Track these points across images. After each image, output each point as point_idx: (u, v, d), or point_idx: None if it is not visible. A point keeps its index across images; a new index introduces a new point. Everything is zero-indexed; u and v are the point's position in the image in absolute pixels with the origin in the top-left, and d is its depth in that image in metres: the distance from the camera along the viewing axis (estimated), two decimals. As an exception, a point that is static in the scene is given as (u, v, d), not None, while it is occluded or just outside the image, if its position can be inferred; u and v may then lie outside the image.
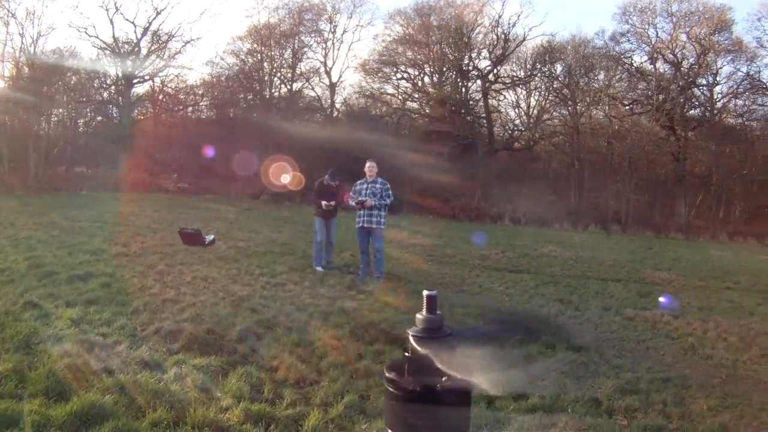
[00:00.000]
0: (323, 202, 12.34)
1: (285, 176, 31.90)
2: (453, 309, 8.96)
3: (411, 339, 2.23)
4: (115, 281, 9.47)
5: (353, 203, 11.72)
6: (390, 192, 11.77)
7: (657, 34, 38.41)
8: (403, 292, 10.33)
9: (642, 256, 19.11)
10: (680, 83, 37.53)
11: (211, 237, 14.13)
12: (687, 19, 37.43)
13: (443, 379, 2.18)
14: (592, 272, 14.59)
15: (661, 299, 11.60)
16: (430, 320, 2.24)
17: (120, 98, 41.55)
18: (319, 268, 11.97)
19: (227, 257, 12.69)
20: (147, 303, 8.10)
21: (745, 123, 38.70)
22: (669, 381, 6.35)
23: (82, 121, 44.71)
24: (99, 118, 44.09)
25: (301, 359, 6.24)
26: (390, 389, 2.22)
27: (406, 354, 2.25)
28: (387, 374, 2.26)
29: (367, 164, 11.88)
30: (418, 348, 2.23)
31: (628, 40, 39.49)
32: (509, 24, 40.67)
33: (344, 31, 43.18)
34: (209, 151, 36.46)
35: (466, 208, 32.27)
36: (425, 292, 2.27)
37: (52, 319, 7.20)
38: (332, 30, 43.05)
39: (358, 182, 11.87)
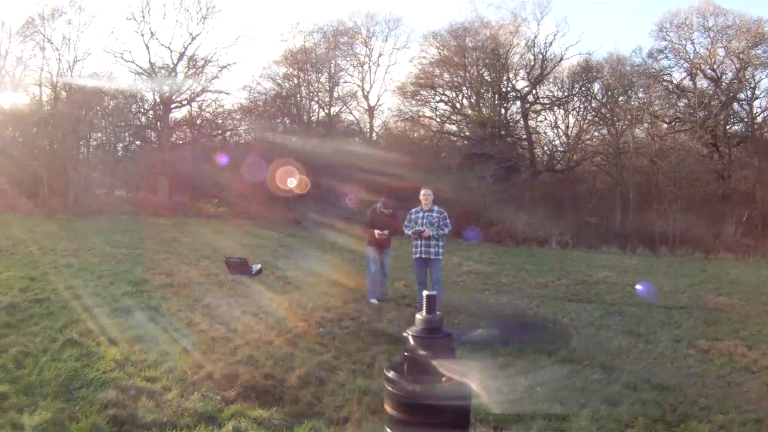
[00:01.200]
0: (376, 231, 11.62)
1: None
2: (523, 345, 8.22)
3: (410, 339, 2.24)
4: (161, 316, 8.92)
5: (410, 233, 10.99)
6: (448, 221, 11.05)
7: (695, 49, 37.61)
8: (467, 326, 9.64)
9: (698, 280, 18.17)
10: (721, 99, 36.50)
11: (258, 266, 13.58)
12: (724, 33, 36.60)
13: (443, 379, 2.20)
14: (653, 300, 13.73)
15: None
16: (430, 320, 2.25)
17: (158, 123, 41.56)
18: (374, 301, 11.27)
19: (276, 288, 12.08)
20: (196, 342, 7.52)
21: (788, 138, 37.32)
22: (761, 422, 5.86)
23: (120, 145, 44.72)
24: (138, 142, 44.09)
25: (370, 409, 5.56)
26: (390, 389, 2.22)
27: (406, 354, 2.25)
28: (387, 374, 2.26)
29: (423, 192, 11.16)
30: (418, 348, 2.24)
31: (666, 57, 38.77)
32: (546, 44, 40.13)
33: (380, 54, 43.10)
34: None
35: (511, 232, 31.42)
36: (425, 293, 2.29)
37: (94, 359, 6.65)
38: (368, 53, 42.97)
39: (414, 210, 11.19)
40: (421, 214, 10.99)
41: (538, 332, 7.60)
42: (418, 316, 2.27)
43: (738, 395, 6.80)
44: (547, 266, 19.81)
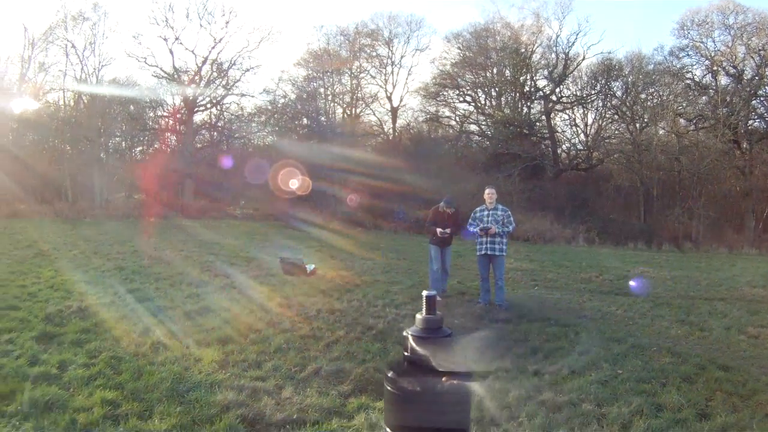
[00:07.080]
0: (438, 230, 11.72)
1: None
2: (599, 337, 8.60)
3: (410, 339, 2.12)
4: (236, 316, 8.88)
5: (476, 230, 11.13)
6: (512, 219, 11.25)
7: (716, 46, 37.60)
8: (538, 321, 9.61)
9: (731, 274, 18.25)
10: (742, 95, 36.36)
11: (312, 266, 13.61)
12: (744, 30, 36.60)
13: (443, 379, 2.09)
14: (694, 292, 14.01)
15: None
16: (430, 321, 2.13)
17: (180, 126, 41.58)
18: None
19: (338, 288, 12.06)
20: (287, 340, 7.52)
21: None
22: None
23: (138, 149, 45.02)
24: (156, 145, 44.13)
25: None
26: (390, 389, 2.11)
27: (405, 354, 2.16)
28: (387, 374, 2.14)
29: (487, 191, 11.36)
30: (417, 348, 2.13)
31: (687, 55, 38.73)
32: (568, 43, 40.17)
33: (402, 56, 43.11)
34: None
35: (539, 230, 31.35)
36: (425, 293, 2.16)
37: (190, 361, 6.62)
38: (390, 55, 42.97)
39: (478, 209, 11.35)
40: (486, 212, 11.15)
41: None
42: (418, 316, 2.19)
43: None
44: (585, 262, 19.83)
